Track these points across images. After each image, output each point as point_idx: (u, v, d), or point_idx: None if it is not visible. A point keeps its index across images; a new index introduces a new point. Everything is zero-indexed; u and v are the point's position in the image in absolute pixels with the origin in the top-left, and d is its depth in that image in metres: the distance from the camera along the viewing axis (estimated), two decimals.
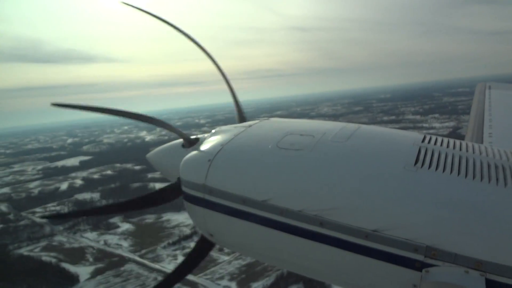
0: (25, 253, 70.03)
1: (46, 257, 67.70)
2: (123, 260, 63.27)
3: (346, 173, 2.40)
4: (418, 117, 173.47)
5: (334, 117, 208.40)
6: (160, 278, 56.45)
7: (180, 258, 62.79)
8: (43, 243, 75.99)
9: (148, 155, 3.76)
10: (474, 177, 2.21)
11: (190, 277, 55.79)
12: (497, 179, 2.20)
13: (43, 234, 80.00)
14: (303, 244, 2.38)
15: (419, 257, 2.03)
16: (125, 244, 70.97)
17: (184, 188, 2.90)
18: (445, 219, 2.05)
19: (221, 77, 3.85)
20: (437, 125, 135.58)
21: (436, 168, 2.28)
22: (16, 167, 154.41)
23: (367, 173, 2.36)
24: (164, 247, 65.96)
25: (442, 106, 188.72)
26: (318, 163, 2.50)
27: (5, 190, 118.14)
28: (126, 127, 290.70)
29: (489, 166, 2.32)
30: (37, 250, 72.45)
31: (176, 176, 3.03)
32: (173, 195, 3.13)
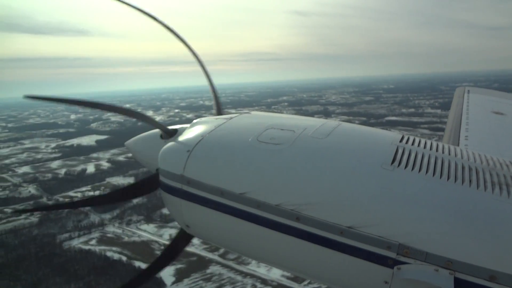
0: (84, 247, 63.02)
1: (109, 252, 60.87)
2: (204, 261, 56.47)
3: (324, 169, 2.42)
4: (438, 111, 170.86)
5: (347, 106, 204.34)
6: (257, 284, 51.43)
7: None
8: (96, 235, 68.59)
9: (127, 142, 3.65)
10: (448, 178, 2.26)
11: (293, 285, 50.55)
12: (470, 181, 2.25)
13: (92, 224, 72.46)
14: (278, 238, 2.39)
15: (392, 254, 2.08)
16: (194, 240, 64.00)
17: (161, 178, 2.88)
18: (418, 218, 2.10)
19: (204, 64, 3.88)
20: None
21: (413, 168, 2.32)
22: (27, 144, 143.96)
23: (345, 170, 2.39)
24: None
25: None
26: (297, 158, 2.50)
27: (26, 169, 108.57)
28: (127, 105, 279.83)
29: (463, 168, 2.37)
30: (92, 242, 65.20)
31: (155, 166, 3.00)
32: (152, 187, 3.07)
